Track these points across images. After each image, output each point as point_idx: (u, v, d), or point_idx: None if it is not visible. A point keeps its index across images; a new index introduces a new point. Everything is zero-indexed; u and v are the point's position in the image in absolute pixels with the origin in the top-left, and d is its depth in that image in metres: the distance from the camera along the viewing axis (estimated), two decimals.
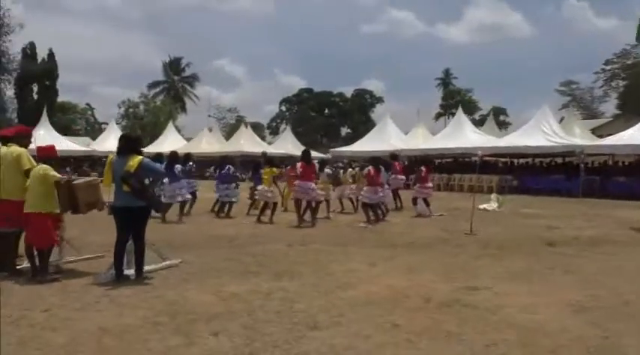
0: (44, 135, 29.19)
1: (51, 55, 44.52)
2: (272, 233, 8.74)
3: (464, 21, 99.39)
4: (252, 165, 12.84)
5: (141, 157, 4.94)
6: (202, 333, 3.55)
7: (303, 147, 35.79)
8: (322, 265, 5.97)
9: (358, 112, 65.66)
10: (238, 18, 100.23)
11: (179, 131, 42.89)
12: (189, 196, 10.35)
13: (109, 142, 34.08)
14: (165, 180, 9.76)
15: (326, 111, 68.29)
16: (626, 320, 3.92)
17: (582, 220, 11.12)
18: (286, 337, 3.49)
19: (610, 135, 21.42)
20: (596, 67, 50.72)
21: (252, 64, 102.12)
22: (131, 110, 47.62)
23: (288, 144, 34.01)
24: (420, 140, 26.15)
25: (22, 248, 5.22)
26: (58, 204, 5.05)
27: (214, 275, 5.29)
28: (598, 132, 28.24)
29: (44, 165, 5.05)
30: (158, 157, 11.11)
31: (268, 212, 10.35)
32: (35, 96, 44.15)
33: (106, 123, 42.53)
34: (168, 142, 34.73)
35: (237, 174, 12.24)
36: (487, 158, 24.15)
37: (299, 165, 9.86)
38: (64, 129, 39.51)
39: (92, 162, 31.44)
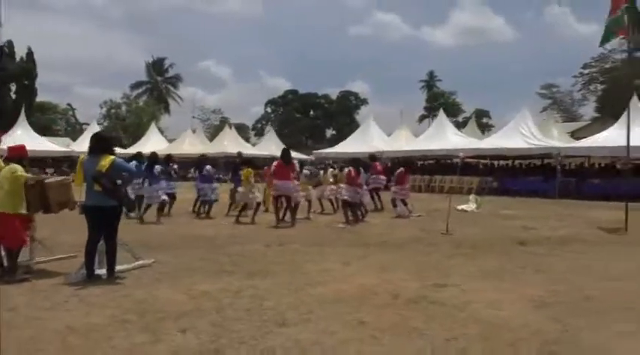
0: (22, 135, 28.73)
1: (30, 53, 43.83)
2: (251, 233, 8.77)
3: (448, 24, 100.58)
4: (232, 166, 12.86)
5: (113, 157, 4.93)
6: (170, 331, 3.57)
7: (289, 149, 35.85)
8: (297, 264, 6.02)
9: (343, 114, 65.91)
10: (224, 19, 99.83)
11: (162, 132, 42.55)
12: (165, 197, 10.30)
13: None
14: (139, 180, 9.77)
15: (311, 112, 68.45)
16: (586, 315, 4.05)
17: (556, 220, 11.34)
18: (253, 333, 3.53)
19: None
20: (576, 71, 51.75)
21: (238, 65, 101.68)
22: (113, 111, 47.06)
23: (272, 146, 33.96)
24: (403, 142, 26.37)
25: None
26: (26, 204, 5.00)
27: (187, 275, 5.31)
28: (577, 134, 28.82)
29: (14, 166, 5.01)
30: (138, 157, 11.08)
31: (249, 212, 10.39)
32: (13, 96, 43.34)
33: (87, 124, 42.00)
34: (151, 143, 34.39)
35: (217, 175, 12.27)
36: (468, 160, 24.49)
37: (275, 163, 9.89)
38: (44, 130, 38.89)
39: (71, 162, 30.99)
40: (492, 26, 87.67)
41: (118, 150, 32.28)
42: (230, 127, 37.14)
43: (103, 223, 4.94)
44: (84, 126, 46.47)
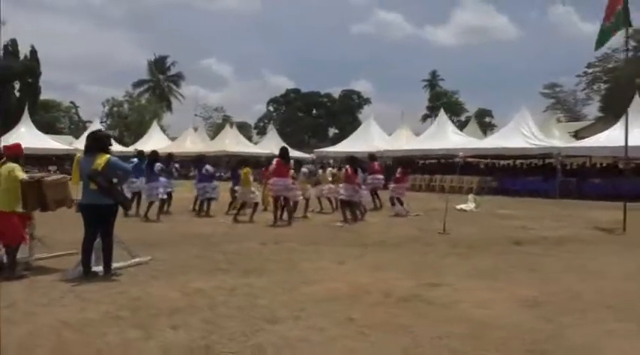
0: (25, 133, 28.91)
1: (33, 52, 44.01)
2: (248, 232, 8.84)
3: (451, 23, 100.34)
4: (231, 165, 12.97)
5: (108, 156, 5.01)
6: (162, 327, 3.64)
7: (288, 147, 35.93)
8: (293, 263, 6.08)
9: (346, 113, 65.92)
10: (226, 17, 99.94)
11: (164, 130, 42.72)
12: (165, 196, 10.40)
13: None
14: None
15: (314, 111, 68.48)
16: (575, 314, 4.10)
17: (554, 221, 11.37)
18: (244, 330, 3.60)
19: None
20: (579, 71, 51.61)
21: (240, 63, 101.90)
22: (115, 109, 47.23)
23: (273, 145, 33.99)
24: (404, 141, 26.39)
25: None
26: (24, 202, 5.08)
27: (183, 272, 5.38)
28: (581, 134, 28.77)
29: (11, 164, 5.09)
30: (140, 155, 11.23)
31: (248, 211, 10.47)
32: (17, 94, 43.55)
33: (91, 122, 42.12)
34: (153, 141, 34.60)
35: (218, 173, 12.36)
36: (469, 159, 24.52)
37: (275, 161, 9.96)
38: (47, 128, 39.08)
39: (74, 160, 31.16)
40: (495, 25, 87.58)
41: (120, 148, 32.59)
42: (231, 126, 37.24)
43: (99, 221, 5.02)
44: (87, 124, 46.64)
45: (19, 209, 5.12)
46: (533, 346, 3.44)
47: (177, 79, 57.60)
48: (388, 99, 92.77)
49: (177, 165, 11.59)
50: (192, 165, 15.86)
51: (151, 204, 10.21)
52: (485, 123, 56.57)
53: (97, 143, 5.11)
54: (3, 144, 5.57)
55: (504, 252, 7.14)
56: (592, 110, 54.48)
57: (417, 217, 11.58)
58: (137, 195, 10.69)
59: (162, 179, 10.51)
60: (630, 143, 15.66)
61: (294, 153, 34.64)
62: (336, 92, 68.54)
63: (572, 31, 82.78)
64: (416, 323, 3.83)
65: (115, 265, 5.28)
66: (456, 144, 22.00)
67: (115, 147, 34.14)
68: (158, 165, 10.56)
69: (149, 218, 9.96)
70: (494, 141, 21.84)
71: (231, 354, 3.22)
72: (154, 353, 3.21)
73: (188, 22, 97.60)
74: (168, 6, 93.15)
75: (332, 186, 12.36)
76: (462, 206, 13.35)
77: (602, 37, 9.76)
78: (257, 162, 25.28)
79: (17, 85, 44.20)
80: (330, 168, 13.15)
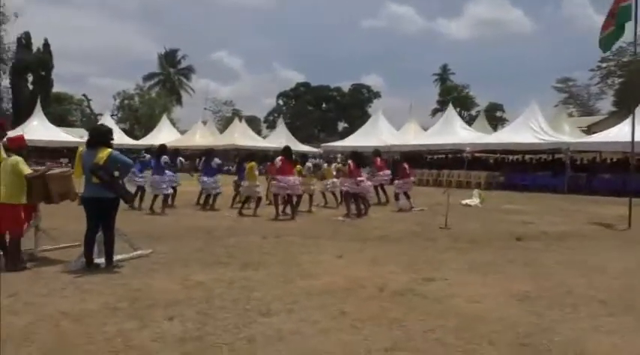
0: (37, 125, 29.37)
1: (46, 45, 44.52)
2: (251, 225, 8.93)
3: (465, 16, 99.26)
4: (237, 159, 13.08)
5: (110, 150, 5.11)
6: (157, 318, 3.73)
7: (297, 142, 36.07)
8: (292, 256, 6.16)
9: (355, 107, 65.72)
10: (238, 10, 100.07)
11: (174, 124, 43.02)
12: (170, 190, 10.54)
13: None
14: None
15: (323, 105, 68.39)
16: (564, 309, 4.12)
17: (560, 216, 11.32)
18: (237, 322, 3.68)
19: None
20: (593, 65, 50.84)
21: (251, 57, 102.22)
22: (126, 102, 47.63)
23: (282, 139, 34.09)
24: (412, 136, 26.31)
25: None
26: (28, 195, 5.21)
27: (183, 265, 5.48)
28: (594, 128, 28.44)
29: (15, 157, 5.20)
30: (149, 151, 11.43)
31: (253, 205, 10.57)
32: (30, 87, 44.12)
33: (102, 115, 42.55)
34: (163, 135, 34.93)
35: (226, 167, 12.47)
36: (477, 154, 24.40)
37: (279, 158, 10.03)
38: (60, 120, 39.58)
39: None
40: (510, 18, 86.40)
41: (131, 141, 32.83)
42: (240, 120, 37.37)
43: (100, 214, 5.13)
44: (99, 117, 47.11)
45: (24, 201, 5.25)
46: (524, 340, 3.48)
47: (187, 72, 57.91)
48: (399, 93, 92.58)
49: (182, 159, 11.68)
50: (199, 158, 15.94)
51: (155, 197, 10.36)
52: (496, 117, 56.02)
53: (99, 137, 5.21)
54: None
55: (504, 247, 7.15)
56: (606, 105, 53.77)
57: (421, 212, 11.59)
58: (141, 189, 10.85)
59: (168, 173, 10.65)
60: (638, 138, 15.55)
61: (302, 147, 34.81)
62: (346, 86, 68.39)
63: (587, 24, 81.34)
64: (408, 317, 3.88)
65: (116, 257, 5.40)
66: (463, 139, 21.90)
67: (126, 140, 34.71)
68: (164, 158, 10.71)
69: (154, 211, 10.12)
70: (502, 136, 21.70)
71: (223, 345, 3.30)
72: (148, 343, 3.30)
73: (200, 16, 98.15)
74: None
75: (336, 180, 12.40)
76: (467, 201, 13.33)
77: (609, 40, 9.62)
78: (265, 156, 25.47)
79: (30, 78, 44.76)
80: (335, 164, 13.18)
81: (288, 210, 10.22)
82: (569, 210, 12.58)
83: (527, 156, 25.12)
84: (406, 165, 12.36)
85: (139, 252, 5.77)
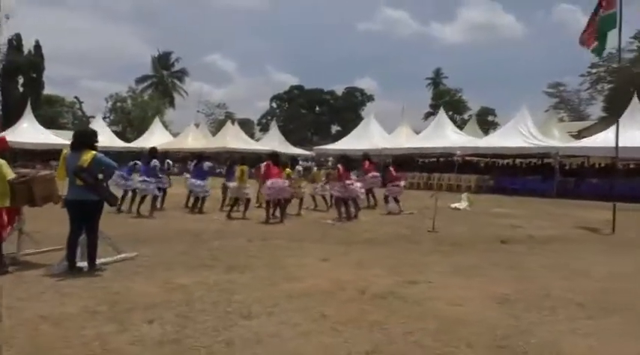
0: (27, 128, 29.19)
1: (37, 47, 44.24)
2: (239, 228, 8.92)
3: (458, 21, 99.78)
4: (228, 162, 13.08)
5: (94, 152, 5.10)
6: (137, 321, 3.73)
7: (289, 144, 36.06)
8: (277, 259, 6.16)
9: (349, 110, 65.87)
10: (232, 13, 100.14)
11: (166, 126, 42.88)
12: (157, 192, 10.50)
13: None
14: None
15: (317, 108, 68.49)
16: (543, 311, 4.17)
17: (547, 220, 11.41)
18: (216, 325, 3.68)
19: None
20: (584, 70, 51.40)
21: (245, 60, 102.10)
22: (119, 104, 47.43)
23: (274, 141, 34.14)
24: (404, 139, 26.43)
25: None
26: (12, 198, 5.18)
27: (166, 268, 5.46)
28: (583, 134, 28.70)
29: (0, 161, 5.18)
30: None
31: (242, 208, 10.56)
32: (21, 89, 43.80)
33: (93, 117, 42.37)
34: (155, 137, 34.85)
35: (218, 169, 12.45)
36: (468, 158, 24.56)
37: (264, 164, 10.07)
38: (50, 123, 39.26)
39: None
40: (503, 23, 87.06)
41: (122, 144, 32.69)
42: (233, 123, 37.34)
43: (84, 217, 5.11)
44: (91, 119, 46.85)
45: (7, 204, 5.22)
46: (501, 342, 3.52)
47: (181, 75, 57.75)
48: (393, 97, 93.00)
49: (170, 162, 11.66)
50: (190, 161, 15.87)
51: (143, 198, 10.31)
52: (488, 121, 56.38)
53: (84, 140, 5.20)
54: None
55: (489, 250, 7.21)
56: (596, 110, 54.32)
57: (410, 215, 11.64)
58: (132, 192, 10.81)
59: (157, 175, 10.62)
60: (626, 144, 15.76)
61: (295, 150, 34.84)
62: (339, 89, 68.59)
63: (577, 29, 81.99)
64: (389, 320, 3.90)
65: (100, 260, 5.38)
66: (454, 142, 22.06)
67: (118, 142, 34.56)
68: (154, 162, 10.71)
69: (141, 214, 10.06)
70: (492, 140, 21.88)
71: (201, 348, 3.30)
72: (126, 346, 3.29)
73: (194, 18, 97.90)
74: (174, 2, 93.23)
75: (322, 184, 12.42)
76: (456, 204, 13.41)
77: (602, 44, 9.71)
78: (259, 159, 25.41)
79: (21, 80, 44.44)
80: (323, 170, 13.22)
81: (278, 213, 10.23)
82: (556, 214, 12.69)
83: (517, 161, 25.33)
84: (391, 168, 12.43)
85: (123, 255, 5.75)
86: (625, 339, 3.64)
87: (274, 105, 68.62)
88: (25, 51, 44.60)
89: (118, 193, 10.60)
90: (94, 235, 5.18)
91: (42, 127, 31.74)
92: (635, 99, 19.40)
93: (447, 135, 23.54)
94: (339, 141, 30.19)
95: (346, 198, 10.55)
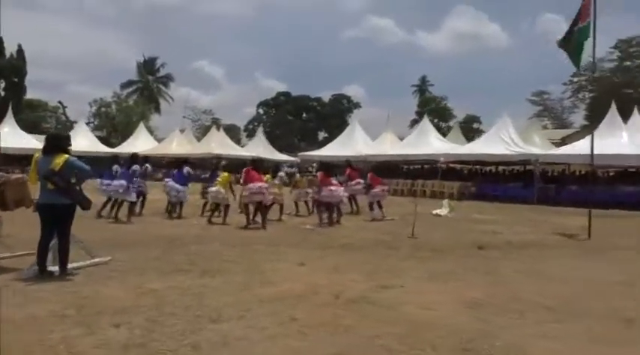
0: (8, 132, 28.75)
1: (20, 51, 43.65)
2: (218, 234, 8.89)
3: (443, 30, 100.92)
4: (211, 167, 13.05)
5: (67, 156, 5.06)
6: (105, 325, 3.70)
7: (274, 150, 36.01)
8: (254, 264, 6.15)
9: (335, 117, 66.12)
10: (220, 20, 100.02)
11: (152, 132, 42.55)
12: (135, 197, 10.40)
13: (76, 141, 33.60)
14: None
15: (304, 115, 68.65)
16: (511, 315, 4.23)
17: (527, 226, 11.56)
18: (185, 329, 3.67)
19: None
20: (567, 79, 52.46)
21: (233, 66, 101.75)
22: (103, 109, 46.96)
23: (260, 147, 34.13)
24: (388, 146, 26.60)
25: None
26: None
27: (140, 273, 5.43)
28: (567, 141, 29.15)
29: None
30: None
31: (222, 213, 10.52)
32: (2, 93, 43.15)
33: (76, 122, 41.81)
34: (139, 143, 34.53)
35: (204, 175, 12.40)
36: (452, 165, 24.82)
37: (245, 170, 10.07)
38: (33, 127, 38.67)
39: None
40: (487, 32, 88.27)
41: (106, 149, 32.33)
42: (218, 128, 37.22)
43: (55, 221, 5.06)
44: (75, 124, 46.27)
45: None
46: (466, 345, 3.56)
47: (166, 80, 57.40)
48: (379, 104, 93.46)
49: (148, 165, 11.58)
50: (172, 166, 15.69)
51: (121, 203, 10.21)
52: (473, 129, 57.05)
53: (56, 143, 5.16)
54: None
55: (466, 255, 7.28)
56: (578, 118, 55.39)
57: (392, 221, 11.70)
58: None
59: (136, 180, 10.53)
60: (604, 151, 16.10)
61: (280, 156, 34.83)
62: (327, 96, 68.90)
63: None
64: (358, 324, 3.93)
65: (72, 265, 5.32)
66: (437, 149, 22.26)
67: (101, 148, 34.16)
68: (135, 167, 10.64)
69: (119, 219, 9.96)
70: (475, 147, 22.12)
71: (167, 352, 3.29)
72: (91, 350, 3.27)
73: (181, 24, 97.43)
74: (161, 7, 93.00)
75: (309, 190, 12.45)
76: (437, 211, 13.53)
77: (578, 54, 9.92)
78: (243, 165, 25.35)
79: (2, 84, 43.78)
80: (306, 175, 13.26)
81: (259, 218, 10.21)
82: (536, 221, 12.86)
83: (500, 168, 25.64)
84: (369, 175, 12.55)
85: (96, 260, 5.70)
86: (590, 343, 3.69)
87: (261, 111, 68.60)
88: (7, 55, 43.96)
89: (102, 199, 10.56)
90: (65, 239, 5.12)
91: (23, 132, 31.28)
92: (613, 107, 19.82)
93: (430, 142, 23.76)
94: (324, 148, 30.30)
95: (329, 204, 10.59)
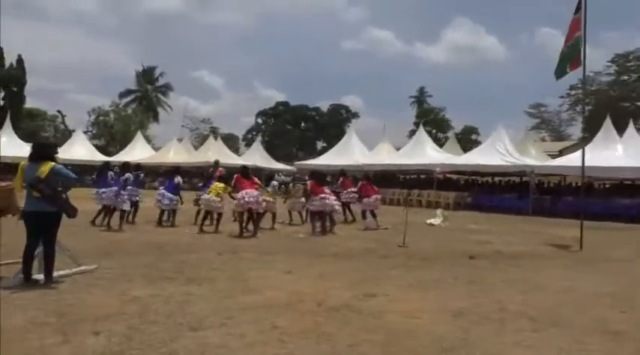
0: (6, 141, 28.79)
1: (19, 60, 43.81)
2: (209, 242, 8.88)
3: (442, 42, 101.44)
4: (207, 175, 13.07)
5: (52, 163, 5.08)
6: (84, 333, 3.69)
7: (271, 159, 36.05)
8: (240, 272, 6.15)
9: (334, 127, 66.33)
10: (220, 30, 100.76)
11: (149, 141, 42.62)
12: (128, 206, 10.41)
13: (74, 150, 33.74)
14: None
15: (302, 124, 68.88)
16: (492, 325, 4.23)
17: (519, 237, 11.55)
18: (164, 337, 3.66)
19: None
20: (564, 92, 52.82)
21: (232, 76, 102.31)
22: (101, 118, 47.08)
23: (256, 156, 34.20)
24: (385, 156, 26.68)
25: None
26: None
27: (126, 281, 5.42)
28: (564, 153, 29.25)
29: None
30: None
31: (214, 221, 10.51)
32: (1, 102, 43.26)
33: (75, 131, 41.87)
34: (137, 152, 34.60)
35: (200, 184, 12.42)
36: (449, 175, 24.87)
37: (235, 176, 10.09)
38: (31, 136, 38.70)
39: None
40: (485, 45, 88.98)
41: (103, 157, 32.39)
42: (216, 138, 37.31)
43: (41, 229, 5.06)
44: (72, 133, 46.34)
45: None
46: (443, 354, 3.56)
47: (165, 89, 57.59)
48: (377, 114, 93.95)
49: (142, 175, 11.61)
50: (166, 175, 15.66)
51: (113, 211, 10.20)
52: (471, 140, 57.23)
53: (42, 151, 5.18)
54: None
55: (455, 265, 7.27)
56: (576, 130, 55.65)
57: (385, 231, 11.70)
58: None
59: (129, 188, 10.55)
60: (599, 164, 16.17)
61: (277, 165, 34.89)
62: (325, 106, 69.25)
63: (559, 51, 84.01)
64: (339, 332, 3.92)
65: (58, 273, 5.32)
66: (433, 159, 22.34)
67: (99, 156, 34.19)
68: (127, 175, 10.67)
69: (111, 226, 9.95)
70: (470, 158, 22.19)
71: None
72: None
73: (182, 34, 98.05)
74: (162, 17, 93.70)
75: (303, 199, 12.45)
76: (431, 220, 13.54)
77: (563, 66, 10.00)
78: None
79: (1, 94, 43.89)
80: (299, 183, 13.27)
81: (251, 226, 10.20)
82: (529, 232, 12.85)
83: (496, 179, 25.69)
84: (360, 183, 12.60)
85: (82, 268, 5.69)
86: (563, 352, 3.67)
87: (260, 121, 68.85)
88: (7, 64, 44.12)
89: (97, 207, 10.57)
90: (51, 247, 5.12)
91: (21, 141, 31.29)
92: (607, 120, 19.94)
93: (426, 153, 23.83)
94: (320, 157, 30.38)
95: (322, 212, 10.59)
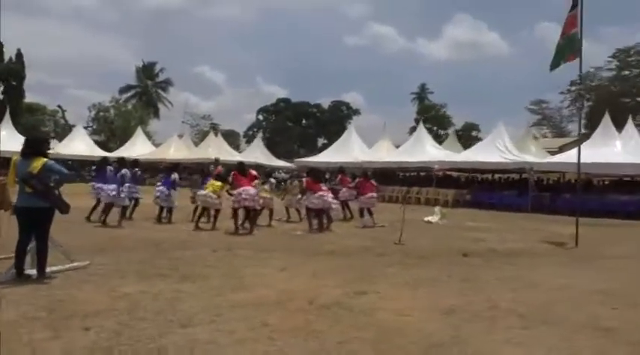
0: (6, 136, 28.80)
1: (19, 55, 43.75)
2: (206, 239, 8.89)
3: (443, 38, 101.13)
4: (205, 172, 13.02)
5: (45, 159, 5.08)
6: (74, 328, 3.70)
7: (272, 156, 36.04)
8: (234, 269, 6.15)
9: (335, 123, 66.25)
10: (222, 25, 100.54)
11: (150, 137, 42.62)
12: (127, 202, 10.42)
13: (74, 145, 33.79)
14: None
15: (303, 121, 68.83)
16: (483, 322, 4.23)
17: (517, 234, 11.55)
18: (153, 333, 3.67)
19: None
20: (565, 88, 52.62)
21: (234, 71, 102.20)
22: (101, 114, 47.08)
23: (257, 153, 34.21)
24: (384, 153, 26.66)
25: None
26: None
27: (118, 277, 5.43)
28: (565, 149, 29.20)
29: None
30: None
31: (212, 218, 10.51)
32: (0, 96, 43.26)
33: (75, 126, 41.90)
34: (137, 148, 34.64)
35: (197, 181, 12.42)
36: (449, 172, 24.86)
37: (232, 173, 10.09)
38: (31, 131, 38.74)
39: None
40: (487, 41, 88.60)
41: (103, 153, 32.44)
42: (216, 134, 37.30)
43: (33, 224, 5.07)
44: (72, 128, 46.35)
45: None
46: (433, 350, 3.56)
47: (165, 85, 57.54)
48: (378, 111, 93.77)
49: (139, 171, 11.60)
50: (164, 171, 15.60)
51: (110, 207, 10.20)
52: (472, 137, 57.14)
53: (34, 146, 5.18)
54: None
55: (450, 262, 7.27)
56: (577, 127, 55.28)
57: (381, 228, 11.69)
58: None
59: (127, 185, 10.54)
60: (596, 160, 16.15)
61: (278, 162, 34.90)
62: (326, 103, 69.09)
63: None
64: (330, 329, 3.93)
65: (51, 268, 5.32)
66: (433, 157, 22.33)
67: (98, 152, 34.21)
68: (124, 171, 10.66)
69: (107, 223, 9.94)
70: (470, 155, 22.18)
71: None
72: (56, 353, 3.27)
73: (183, 29, 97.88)
74: (162, 12, 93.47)
75: (299, 196, 12.46)
76: (429, 218, 13.53)
77: (558, 58, 9.97)
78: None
79: (0, 88, 43.87)
80: (297, 181, 13.29)
81: (247, 224, 10.21)
82: (527, 229, 12.85)
83: (496, 176, 25.66)
84: (357, 180, 12.60)
85: (75, 264, 5.70)
86: (552, 349, 3.68)
87: (261, 117, 68.81)
88: (7, 58, 44.08)
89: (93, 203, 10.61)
90: (43, 243, 5.13)
91: (21, 136, 31.31)
92: (606, 116, 19.90)
93: (425, 150, 23.82)
94: (320, 154, 30.39)
95: (319, 210, 10.59)
